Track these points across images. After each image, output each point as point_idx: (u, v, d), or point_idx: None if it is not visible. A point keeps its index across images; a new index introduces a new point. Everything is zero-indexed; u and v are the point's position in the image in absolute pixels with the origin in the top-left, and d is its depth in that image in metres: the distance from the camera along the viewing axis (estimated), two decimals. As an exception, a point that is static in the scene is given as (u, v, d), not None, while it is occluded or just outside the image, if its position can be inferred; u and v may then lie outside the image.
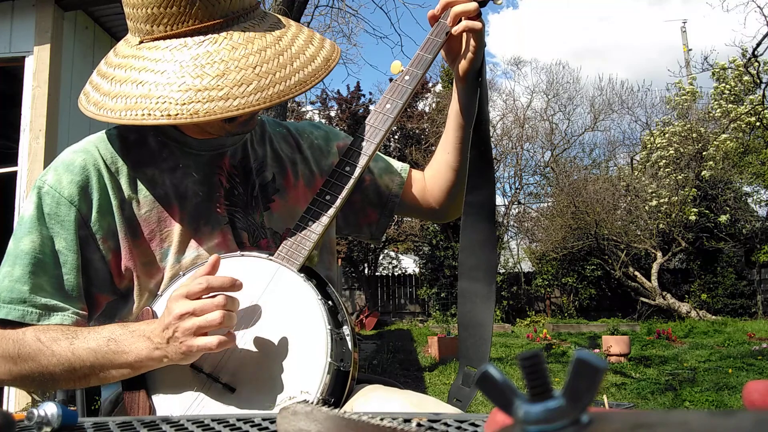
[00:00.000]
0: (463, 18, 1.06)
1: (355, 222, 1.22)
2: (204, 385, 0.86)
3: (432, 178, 1.23)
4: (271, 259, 0.92)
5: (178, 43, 0.88)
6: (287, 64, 0.89)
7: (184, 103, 0.84)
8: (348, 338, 0.89)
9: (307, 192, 1.11)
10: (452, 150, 1.17)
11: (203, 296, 0.82)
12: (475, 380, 0.27)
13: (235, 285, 0.84)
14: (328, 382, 0.82)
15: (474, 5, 1.06)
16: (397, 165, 1.25)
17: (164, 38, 0.89)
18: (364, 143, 1.02)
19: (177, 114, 0.83)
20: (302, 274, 0.90)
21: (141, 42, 0.91)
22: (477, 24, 1.05)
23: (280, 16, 1.00)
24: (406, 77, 1.06)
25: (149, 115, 0.84)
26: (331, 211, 0.96)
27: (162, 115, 0.84)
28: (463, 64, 1.09)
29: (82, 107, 0.93)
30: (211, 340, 0.80)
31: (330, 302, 0.91)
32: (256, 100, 0.85)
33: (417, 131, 15.62)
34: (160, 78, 0.86)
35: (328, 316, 0.86)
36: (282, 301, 0.89)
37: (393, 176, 1.22)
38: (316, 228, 0.94)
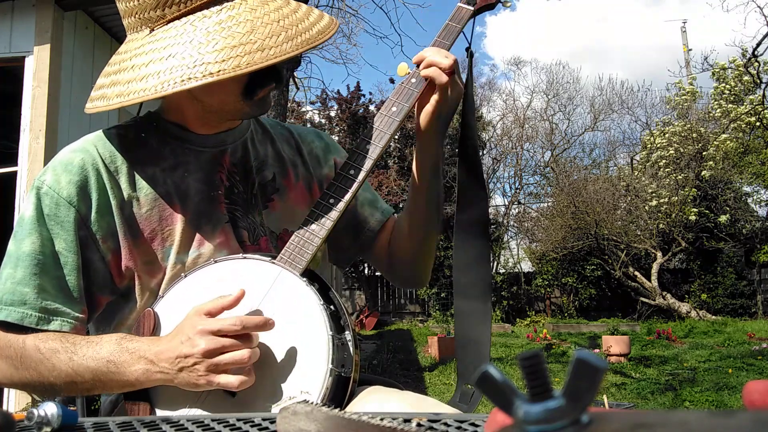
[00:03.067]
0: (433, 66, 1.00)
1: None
2: (204, 390, 0.86)
3: (394, 234, 1.17)
4: (273, 263, 0.91)
5: (195, 17, 0.89)
6: (304, 18, 0.94)
7: (224, 60, 0.83)
8: (350, 343, 0.89)
9: (306, 194, 1.10)
10: (407, 215, 1.11)
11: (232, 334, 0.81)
12: (475, 380, 0.27)
13: (267, 325, 0.83)
14: (329, 387, 0.82)
15: (449, 62, 0.98)
16: (383, 204, 1.20)
17: (179, 17, 0.89)
18: (369, 146, 1.00)
19: (219, 71, 0.83)
20: (304, 279, 0.89)
21: (152, 30, 0.91)
22: (443, 77, 0.98)
23: None
24: (413, 80, 1.03)
25: (189, 79, 0.83)
26: (335, 215, 0.95)
27: (204, 75, 0.83)
28: (422, 116, 1.02)
29: (103, 106, 0.90)
30: (232, 381, 0.80)
31: (332, 307, 0.90)
32: (290, 47, 0.88)
33: (417, 131, 15.58)
34: (189, 47, 0.85)
35: (330, 321, 0.85)
36: (284, 305, 0.88)
37: (374, 211, 1.18)
38: (320, 232, 0.94)
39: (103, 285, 0.96)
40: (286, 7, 0.94)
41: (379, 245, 1.18)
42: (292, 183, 1.10)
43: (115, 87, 0.90)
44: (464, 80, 1.06)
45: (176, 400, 0.87)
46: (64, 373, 0.86)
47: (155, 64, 0.86)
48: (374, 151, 0.99)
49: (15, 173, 3.70)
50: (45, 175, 0.94)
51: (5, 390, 3.66)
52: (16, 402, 3.51)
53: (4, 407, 3.60)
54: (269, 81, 0.95)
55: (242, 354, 0.80)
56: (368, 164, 0.99)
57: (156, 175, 0.98)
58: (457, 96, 1.02)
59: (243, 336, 0.82)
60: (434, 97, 1.00)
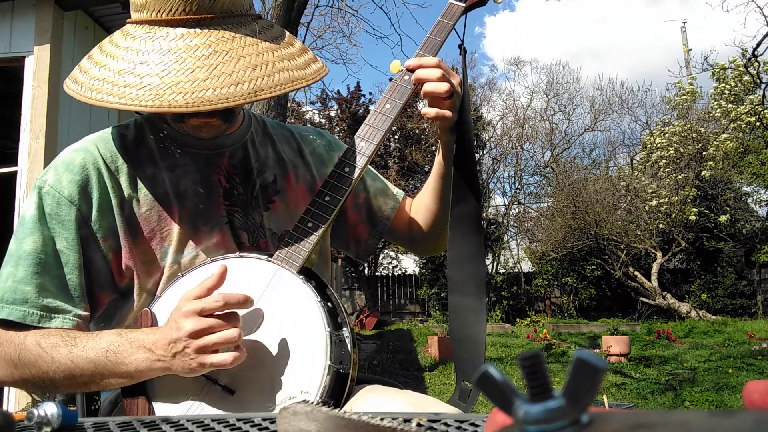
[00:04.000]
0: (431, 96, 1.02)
1: (344, 236, 1.21)
2: (203, 388, 0.86)
3: (414, 212, 1.23)
4: (270, 261, 0.92)
5: (141, 31, 0.91)
6: (219, 75, 0.86)
7: (98, 88, 0.87)
8: (347, 340, 0.89)
9: (307, 195, 1.10)
10: (432, 193, 1.17)
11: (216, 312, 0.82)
12: (474, 380, 0.27)
13: (247, 301, 0.84)
14: (328, 384, 0.82)
15: (445, 87, 1.00)
16: (393, 190, 1.24)
17: (133, 23, 0.92)
18: (363, 144, 1.01)
19: (90, 97, 0.87)
20: (301, 276, 0.90)
21: (124, 26, 0.95)
22: (447, 113, 1.03)
23: (274, 26, 0.99)
24: (406, 77, 1.04)
25: (83, 93, 0.89)
26: (331, 213, 0.95)
27: (82, 93, 0.88)
28: (440, 124, 1.08)
29: (71, 88, 0.95)
30: (226, 357, 0.80)
31: (329, 304, 0.90)
32: (152, 102, 0.83)
33: (417, 131, 15.63)
34: (108, 60, 0.90)
35: (327, 318, 0.85)
36: (281, 303, 0.88)
37: (387, 199, 1.21)
38: (316, 229, 0.94)
39: (105, 284, 0.97)
40: (215, 56, 0.87)
41: (398, 227, 1.22)
42: (293, 184, 1.10)
43: (82, 75, 0.96)
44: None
45: (174, 397, 0.87)
46: (63, 366, 0.86)
47: (88, 62, 0.93)
48: (368, 149, 1.00)
49: (15, 173, 3.70)
50: (47, 175, 0.95)
51: (5, 390, 3.66)
52: (16, 402, 3.51)
53: (4, 407, 3.60)
54: (200, 114, 0.91)
55: (231, 333, 0.80)
56: (363, 161, 0.99)
57: (155, 175, 0.99)
58: (459, 99, 1.06)
59: (230, 317, 0.82)
60: (439, 124, 1.06)
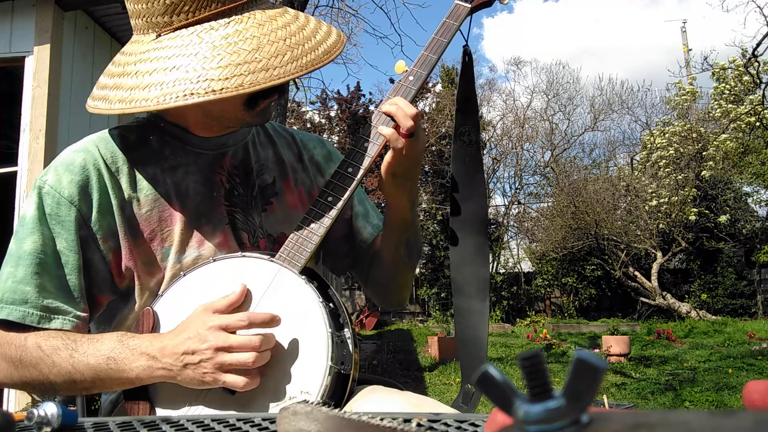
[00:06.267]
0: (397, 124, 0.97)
1: (325, 246, 1.17)
2: (207, 388, 0.86)
3: (377, 253, 1.16)
4: (272, 261, 0.92)
5: (202, 28, 0.89)
6: (311, 37, 0.93)
7: (227, 78, 0.84)
8: (349, 341, 0.89)
9: (305, 199, 1.10)
10: (382, 246, 1.11)
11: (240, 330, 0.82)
12: (474, 380, 0.27)
13: (273, 321, 0.84)
14: (329, 384, 0.82)
15: (409, 124, 0.95)
16: (374, 219, 1.19)
17: (186, 26, 0.90)
18: (367, 144, 1.00)
19: (222, 88, 0.83)
20: (303, 276, 0.90)
21: (159, 35, 0.91)
22: (399, 143, 0.95)
23: (281, 5, 1.01)
24: (410, 78, 1.04)
25: (192, 94, 0.83)
26: (333, 212, 0.95)
27: (206, 92, 0.83)
28: (382, 173, 1.01)
29: (104, 108, 0.90)
30: (238, 381, 0.80)
31: (331, 304, 0.90)
32: (294, 68, 0.88)
33: (417, 131, 15.59)
34: (194, 60, 0.86)
35: (329, 319, 0.85)
36: (283, 303, 0.88)
37: (366, 224, 1.17)
38: (318, 230, 0.94)
39: (104, 285, 0.96)
40: (293, 24, 0.93)
41: (364, 258, 1.17)
42: (291, 187, 1.10)
43: (117, 91, 0.90)
44: (458, 80, 1.06)
45: (176, 399, 0.87)
46: (64, 371, 0.86)
47: (159, 74, 0.87)
48: (372, 149, 0.99)
49: (15, 173, 3.70)
50: (47, 175, 0.95)
51: (5, 390, 3.66)
52: (16, 402, 3.51)
53: (4, 407, 3.60)
54: (272, 93, 0.95)
55: (247, 357, 0.80)
56: (366, 162, 0.99)
57: (156, 176, 0.99)
58: (416, 153, 0.98)
59: (265, 340, 0.82)
60: (387, 157, 0.98)
